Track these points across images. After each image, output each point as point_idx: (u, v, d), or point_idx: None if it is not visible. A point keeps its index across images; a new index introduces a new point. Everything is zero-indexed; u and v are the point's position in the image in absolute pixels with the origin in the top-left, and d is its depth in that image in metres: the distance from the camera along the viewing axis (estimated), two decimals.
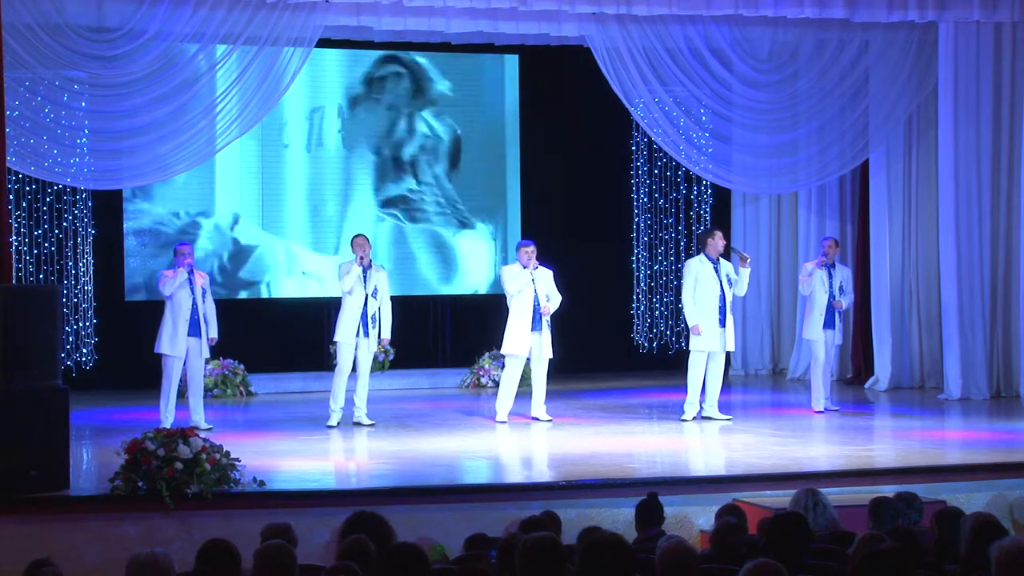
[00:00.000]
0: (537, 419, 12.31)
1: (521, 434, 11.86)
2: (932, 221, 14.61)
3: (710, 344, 12.31)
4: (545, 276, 12.28)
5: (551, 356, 12.36)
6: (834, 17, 13.46)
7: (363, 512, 6.08)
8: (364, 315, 12.12)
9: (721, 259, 12.40)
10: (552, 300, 12.26)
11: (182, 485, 8.49)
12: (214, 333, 12.05)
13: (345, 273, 12.10)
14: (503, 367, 15.36)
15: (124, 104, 12.71)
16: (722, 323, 12.31)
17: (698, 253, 12.67)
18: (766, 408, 14.32)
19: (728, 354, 13.15)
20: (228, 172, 15.50)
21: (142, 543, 7.64)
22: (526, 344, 12.26)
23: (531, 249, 12.25)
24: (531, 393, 12.42)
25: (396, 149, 16.16)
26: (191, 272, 11.80)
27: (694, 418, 12.36)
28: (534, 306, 12.19)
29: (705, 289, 12.30)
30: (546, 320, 12.27)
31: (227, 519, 8.40)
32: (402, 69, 16.16)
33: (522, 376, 12.46)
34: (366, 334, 12.16)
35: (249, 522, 7.96)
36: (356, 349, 12.19)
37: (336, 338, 12.30)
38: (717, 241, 12.41)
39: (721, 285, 12.27)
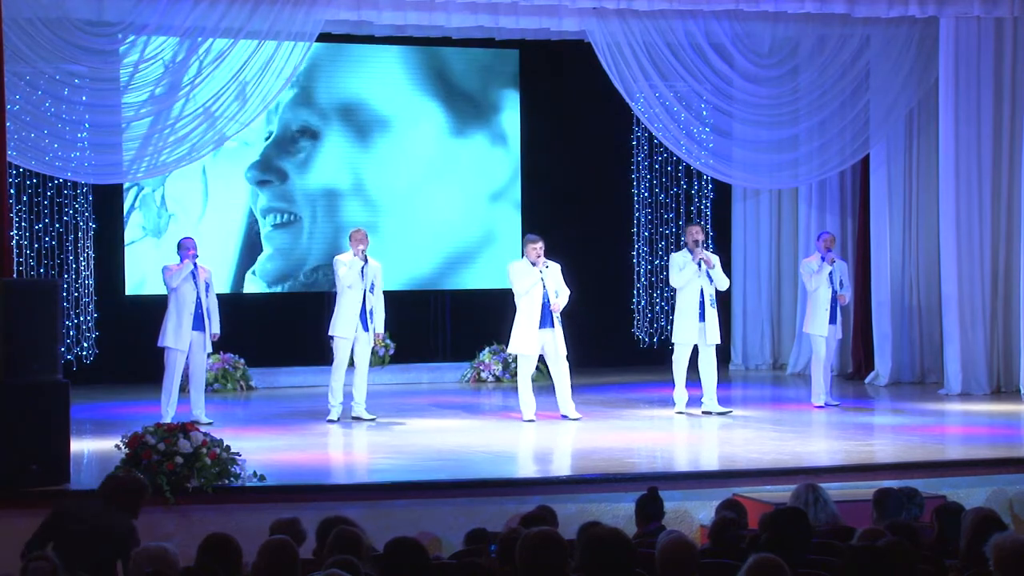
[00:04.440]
0: (566, 417, 12.08)
1: (521, 429, 11.85)
2: (933, 216, 14.60)
3: (690, 337, 12.37)
4: (554, 272, 12.08)
5: (566, 353, 12.12)
6: (835, 12, 13.47)
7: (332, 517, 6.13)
8: (363, 310, 12.08)
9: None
10: (561, 296, 12.05)
11: (182, 479, 8.50)
12: (216, 329, 12.03)
13: (346, 267, 12.07)
14: (503, 362, 15.44)
15: (124, 98, 12.70)
16: (702, 317, 12.34)
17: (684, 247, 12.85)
18: (766, 403, 14.31)
19: (728, 349, 13.15)
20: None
21: (143, 537, 7.63)
22: (534, 343, 12.03)
23: (539, 245, 11.98)
24: (554, 391, 12.21)
25: (395, 145, 16.14)
26: (195, 266, 11.80)
27: (687, 405, 12.42)
28: (543, 304, 12.00)
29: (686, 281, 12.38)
30: (557, 317, 12.04)
31: (227, 513, 8.41)
32: (400, 63, 16.16)
33: (544, 373, 12.37)
34: (365, 328, 12.12)
35: (249, 516, 7.99)
36: (355, 343, 12.17)
37: (334, 333, 12.12)
38: (689, 235, 12.55)
39: (701, 280, 12.33)
